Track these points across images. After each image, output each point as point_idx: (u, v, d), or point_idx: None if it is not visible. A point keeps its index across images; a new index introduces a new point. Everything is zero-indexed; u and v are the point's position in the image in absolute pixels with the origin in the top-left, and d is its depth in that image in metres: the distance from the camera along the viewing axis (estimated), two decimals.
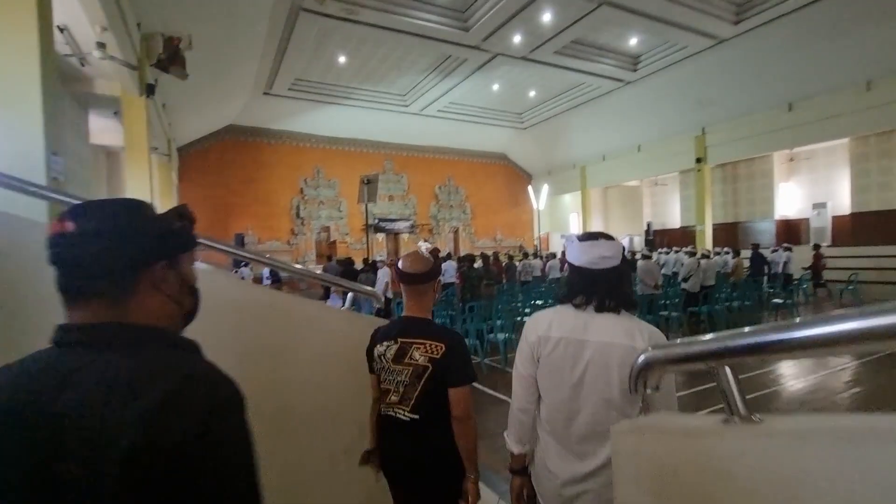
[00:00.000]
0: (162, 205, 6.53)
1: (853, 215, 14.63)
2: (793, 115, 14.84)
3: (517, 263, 13.72)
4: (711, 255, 8.57)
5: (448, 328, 1.76)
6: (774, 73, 14.21)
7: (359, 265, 10.86)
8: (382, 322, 1.89)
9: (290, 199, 19.43)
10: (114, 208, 0.70)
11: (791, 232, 16.76)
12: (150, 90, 6.90)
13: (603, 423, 1.30)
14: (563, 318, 1.43)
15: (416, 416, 1.57)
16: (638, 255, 8.30)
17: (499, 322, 6.31)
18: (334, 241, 18.75)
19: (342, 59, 14.13)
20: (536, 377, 1.47)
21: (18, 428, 0.59)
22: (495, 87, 17.00)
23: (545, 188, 22.02)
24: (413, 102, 17.82)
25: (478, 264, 9.69)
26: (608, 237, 1.45)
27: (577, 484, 1.38)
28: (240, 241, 15.30)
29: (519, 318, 6.65)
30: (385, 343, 1.64)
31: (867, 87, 13.25)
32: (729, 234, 18.08)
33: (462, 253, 23.16)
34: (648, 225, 20.97)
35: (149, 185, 7.30)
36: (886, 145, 13.87)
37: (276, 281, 11.88)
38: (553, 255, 14.99)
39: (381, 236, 21.42)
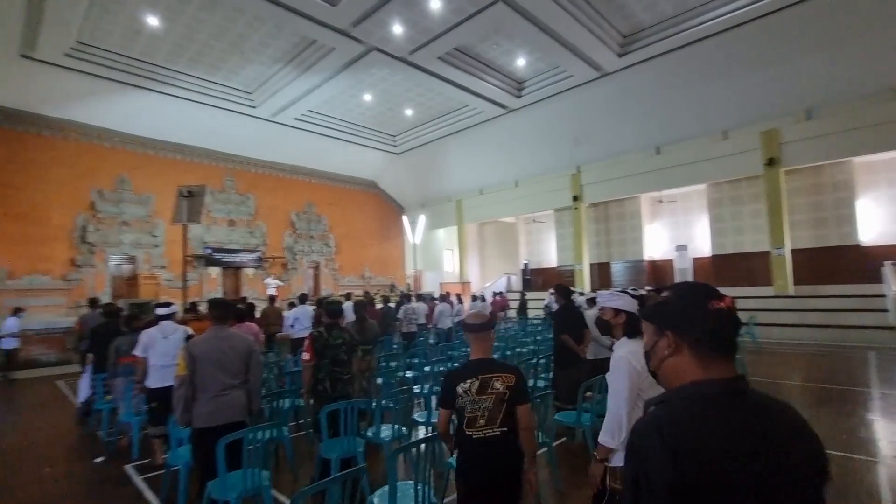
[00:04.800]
0: None
1: (714, 257, 15.22)
2: (660, 158, 15.18)
3: (392, 305, 10.72)
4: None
5: (506, 363, 2.45)
6: (646, 115, 14.36)
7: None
8: None
9: (72, 216, 13.78)
10: None
11: (658, 273, 17.11)
12: None
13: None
14: (638, 350, 1.96)
15: (505, 429, 2.19)
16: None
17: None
18: (136, 277, 13.51)
19: (154, 22, 10.13)
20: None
21: (807, 441, 0.87)
22: (367, 96, 14.45)
23: (422, 220, 19.81)
24: (263, 103, 14.19)
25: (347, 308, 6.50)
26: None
27: None
28: None
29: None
30: (468, 381, 2.21)
31: (724, 137, 14.02)
32: (603, 275, 17.93)
33: (324, 293, 19.06)
34: (525, 264, 20.07)
35: None
36: (736, 192, 14.79)
37: None
38: (445, 297, 12.16)
39: (214, 271, 16.61)
